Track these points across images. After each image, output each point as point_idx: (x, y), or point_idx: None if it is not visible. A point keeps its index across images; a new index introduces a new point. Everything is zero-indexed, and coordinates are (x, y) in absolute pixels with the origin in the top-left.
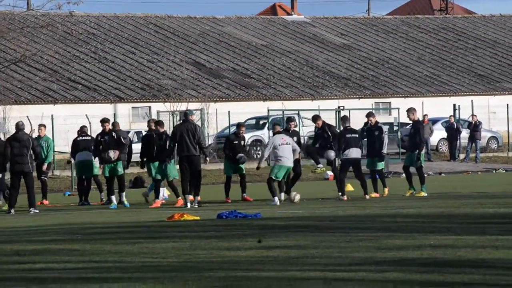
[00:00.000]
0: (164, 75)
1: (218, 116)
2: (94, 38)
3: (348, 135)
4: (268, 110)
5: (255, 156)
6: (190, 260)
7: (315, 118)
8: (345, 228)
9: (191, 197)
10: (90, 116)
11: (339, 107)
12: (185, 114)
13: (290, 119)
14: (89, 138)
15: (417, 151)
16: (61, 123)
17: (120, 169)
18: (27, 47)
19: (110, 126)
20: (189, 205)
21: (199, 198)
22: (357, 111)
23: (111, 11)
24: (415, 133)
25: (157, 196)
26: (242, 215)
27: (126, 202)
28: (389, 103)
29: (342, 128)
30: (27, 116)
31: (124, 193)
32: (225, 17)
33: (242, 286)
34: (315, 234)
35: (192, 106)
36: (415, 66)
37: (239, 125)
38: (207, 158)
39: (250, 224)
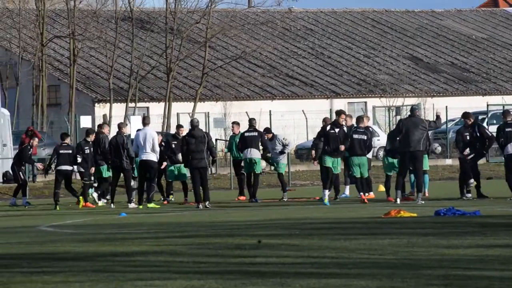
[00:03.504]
0: (381, 70)
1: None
2: (312, 34)
3: (508, 129)
4: (488, 105)
5: None
6: (407, 258)
7: (466, 115)
8: None
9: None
10: (306, 111)
11: None
12: (412, 109)
13: (466, 114)
14: (256, 134)
15: None
16: (278, 118)
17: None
18: (248, 44)
19: None
20: (399, 201)
21: (425, 194)
22: None
23: (329, 6)
24: None
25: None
26: (461, 212)
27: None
28: None
29: (502, 122)
30: (246, 112)
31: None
32: (444, 11)
33: (462, 285)
34: None
35: (409, 101)
36: None
37: (465, 115)
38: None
39: (469, 222)
